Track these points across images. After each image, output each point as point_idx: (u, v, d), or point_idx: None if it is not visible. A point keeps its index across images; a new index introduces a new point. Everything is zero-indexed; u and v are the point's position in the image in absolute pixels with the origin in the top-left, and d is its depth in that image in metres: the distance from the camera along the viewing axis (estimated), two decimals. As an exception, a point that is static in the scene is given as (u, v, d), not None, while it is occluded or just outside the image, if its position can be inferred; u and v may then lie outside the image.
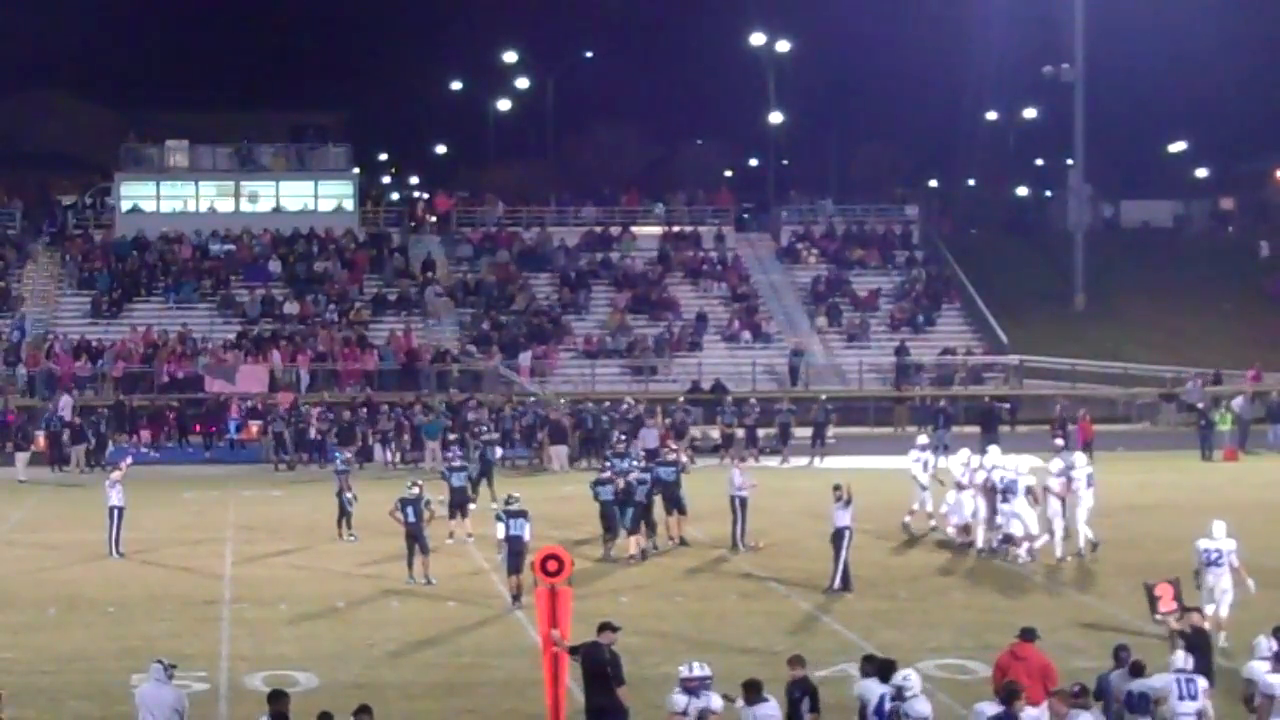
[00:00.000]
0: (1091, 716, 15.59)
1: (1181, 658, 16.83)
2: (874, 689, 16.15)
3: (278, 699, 15.63)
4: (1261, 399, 50.89)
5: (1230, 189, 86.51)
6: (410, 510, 28.09)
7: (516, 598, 25.92)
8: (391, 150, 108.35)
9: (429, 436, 45.34)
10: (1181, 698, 16.44)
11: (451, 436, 43.62)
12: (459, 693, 21.18)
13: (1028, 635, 17.70)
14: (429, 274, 58.45)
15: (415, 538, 28.09)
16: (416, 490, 28.57)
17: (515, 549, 25.95)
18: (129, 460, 36.12)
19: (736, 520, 31.37)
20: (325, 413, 47.30)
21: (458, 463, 33.33)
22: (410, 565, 28.12)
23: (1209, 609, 22.08)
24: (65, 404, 47.44)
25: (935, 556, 30.51)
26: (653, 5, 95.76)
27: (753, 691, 15.99)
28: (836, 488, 27.32)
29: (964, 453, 32.11)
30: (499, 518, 26.40)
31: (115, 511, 31.10)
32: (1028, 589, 27.56)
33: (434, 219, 63.97)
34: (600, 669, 17.24)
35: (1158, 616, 18.32)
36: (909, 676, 16.01)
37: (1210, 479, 42.28)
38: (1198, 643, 17.77)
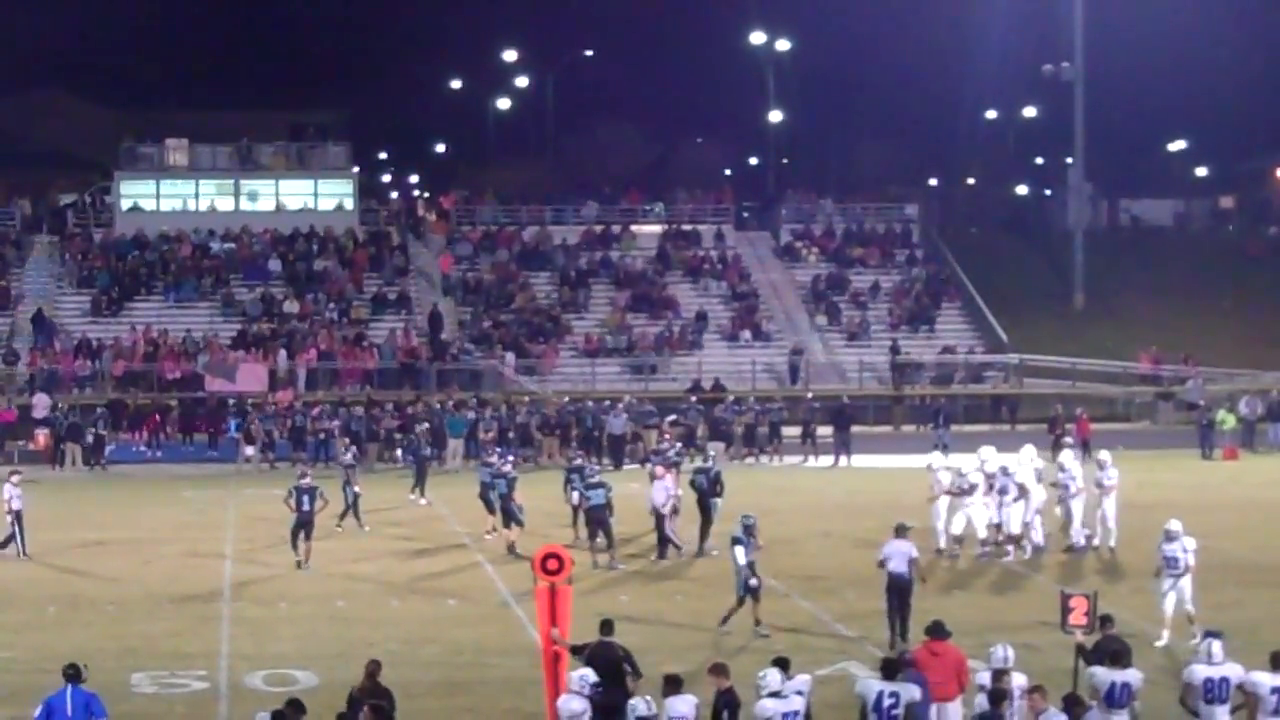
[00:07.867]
0: (1064, 717, 15.53)
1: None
2: (873, 686, 16.14)
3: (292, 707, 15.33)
4: (1262, 398, 50.92)
5: (1230, 188, 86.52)
6: (306, 499, 29.40)
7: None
8: (391, 150, 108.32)
9: (453, 434, 45.22)
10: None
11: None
12: (459, 692, 21.17)
13: (940, 632, 17.62)
14: (438, 335, 56.70)
15: (306, 525, 29.43)
16: (307, 480, 29.95)
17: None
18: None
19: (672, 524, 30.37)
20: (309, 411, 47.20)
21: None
22: (295, 548, 29.44)
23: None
24: (42, 403, 47.44)
25: (934, 556, 30.44)
26: (653, 5, 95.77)
27: (671, 686, 15.93)
28: (901, 528, 24.02)
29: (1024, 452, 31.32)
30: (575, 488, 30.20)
31: (15, 515, 30.61)
32: (1026, 589, 27.55)
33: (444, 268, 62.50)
34: (614, 667, 17.17)
35: (1067, 629, 18.29)
36: (766, 675, 15.79)
37: (1210, 478, 42.29)
38: (1110, 653, 17.29)
